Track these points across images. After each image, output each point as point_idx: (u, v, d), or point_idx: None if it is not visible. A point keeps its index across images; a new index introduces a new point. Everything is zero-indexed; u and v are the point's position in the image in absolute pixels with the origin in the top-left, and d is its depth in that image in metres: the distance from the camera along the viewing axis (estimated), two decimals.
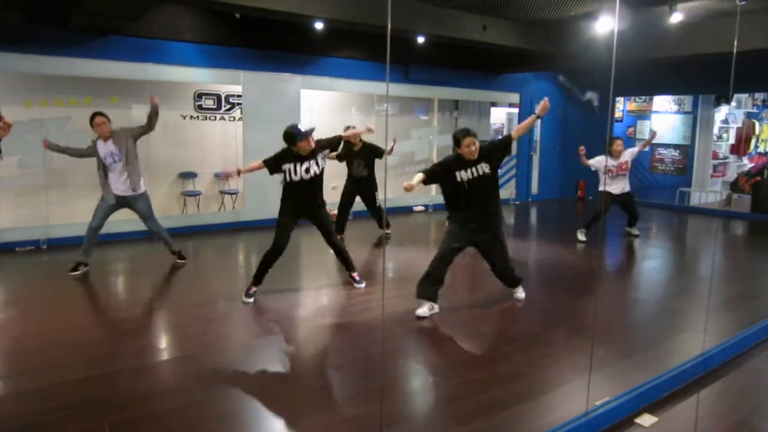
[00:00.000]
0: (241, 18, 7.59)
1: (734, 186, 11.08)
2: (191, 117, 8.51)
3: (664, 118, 11.61)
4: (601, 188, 7.57)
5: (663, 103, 11.61)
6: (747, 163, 11.87)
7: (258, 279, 4.84)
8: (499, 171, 4.59)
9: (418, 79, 9.66)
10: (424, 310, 4.45)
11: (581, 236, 7.61)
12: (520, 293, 4.93)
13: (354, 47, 8.73)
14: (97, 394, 3.12)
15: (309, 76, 8.57)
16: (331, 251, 5.26)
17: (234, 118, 8.82)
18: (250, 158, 8.00)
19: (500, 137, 4.54)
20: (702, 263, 6.87)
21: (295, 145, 4.64)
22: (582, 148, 7.21)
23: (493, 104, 11.76)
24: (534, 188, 12.04)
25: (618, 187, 7.39)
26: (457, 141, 4.36)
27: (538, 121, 11.78)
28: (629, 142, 11.19)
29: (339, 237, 7.37)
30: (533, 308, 4.85)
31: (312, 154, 4.74)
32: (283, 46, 8.17)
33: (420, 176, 4.39)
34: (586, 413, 2.78)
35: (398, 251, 6.85)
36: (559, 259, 6.62)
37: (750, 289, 5.59)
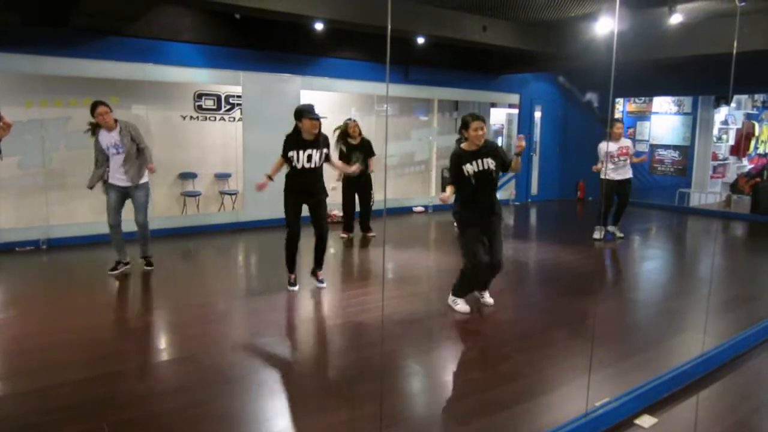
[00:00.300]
0: (240, 18, 7.60)
1: (734, 187, 11.08)
2: (191, 117, 8.51)
3: (664, 119, 11.61)
4: (602, 176, 7.47)
5: (663, 104, 11.61)
6: (747, 165, 11.87)
7: (291, 267, 5.08)
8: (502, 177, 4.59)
9: (417, 79, 9.67)
10: (466, 307, 4.55)
11: (598, 234, 7.56)
12: (488, 299, 4.78)
13: (354, 48, 8.73)
14: (96, 395, 3.12)
15: (309, 77, 8.57)
16: (320, 247, 5.18)
17: (234, 118, 8.82)
18: (250, 159, 8.02)
19: (508, 157, 4.52)
20: (701, 264, 6.87)
21: (301, 121, 4.73)
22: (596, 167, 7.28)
23: (493, 105, 11.76)
24: (534, 189, 12.04)
25: (620, 174, 7.34)
26: (465, 123, 4.35)
27: (538, 121, 11.90)
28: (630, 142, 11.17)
29: (348, 236, 7.43)
30: (533, 309, 4.85)
31: (315, 142, 4.81)
32: (283, 47, 8.17)
33: (450, 189, 4.38)
34: (586, 414, 2.78)
35: (398, 252, 6.85)
36: (558, 260, 6.63)
37: (749, 290, 5.59)
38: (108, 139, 5.27)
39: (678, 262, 7.06)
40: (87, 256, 6.31)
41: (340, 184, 7.54)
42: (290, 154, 4.78)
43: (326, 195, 5.04)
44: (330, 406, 3.12)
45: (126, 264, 5.55)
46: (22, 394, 3.15)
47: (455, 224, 4.77)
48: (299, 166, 4.78)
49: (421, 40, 7.92)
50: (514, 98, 11.41)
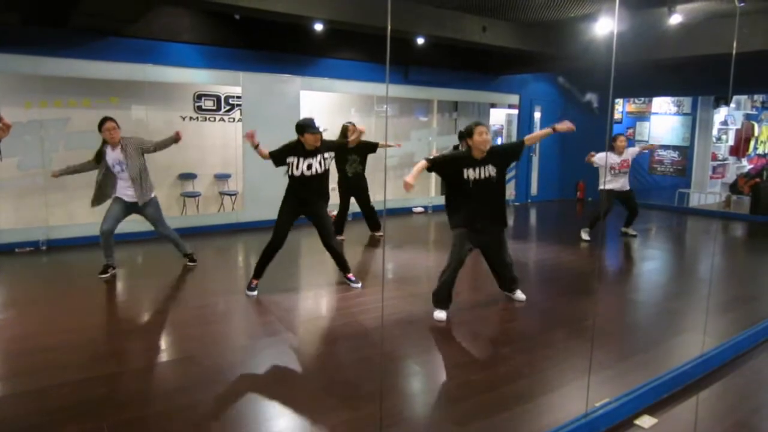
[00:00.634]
0: (240, 19, 7.60)
1: (733, 187, 11.09)
2: (191, 118, 8.52)
3: (664, 120, 11.62)
4: (601, 187, 7.55)
5: (662, 104, 11.62)
6: (746, 165, 11.88)
7: (258, 273, 5.02)
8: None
9: (417, 80, 9.67)
10: (442, 315, 4.45)
11: (585, 235, 7.69)
12: (520, 294, 4.92)
13: (353, 48, 8.74)
14: (96, 395, 3.12)
15: (308, 78, 8.58)
16: (336, 256, 5.26)
17: (234, 119, 8.82)
18: (250, 159, 7.99)
19: (514, 141, 4.49)
20: (701, 264, 6.87)
21: (303, 135, 4.76)
22: (592, 153, 7.31)
23: (493, 105, 11.77)
24: (534, 189, 12.05)
25: (619, 184, 7.44)
26: (469, 131, 4.33)
27: (538, 122, 11.90)
28: (628, 143, 11.18)
29: (340, 238, 7.42)
30: (533, 309, 4.85)
31: (316, 152, 4.85)
32: (282, 47, 8.17)
33: (422, 163, 4.25)
34: (586, 415, 2.78)
35: (397, 252, 6.85)
36: (558, 260, 6.63)
37: (749, 290, 5.59)
38: (112, 157, 5.25)
39: (678, 263, 7.06)
40: (87, 256, 6.30)
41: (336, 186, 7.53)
42: (289, 159, 4.81)
43: (326, 204, 5.05)
44: (330, 407, 3.12)
45: (114, 268, 5.55)
46: (21, 395, 3.15)
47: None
48: (297, 173, 4.80)
49: (420, 41, 7.92)
50: (514, 99, 11.42)
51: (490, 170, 4.33)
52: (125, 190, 5.35)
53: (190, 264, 6.00)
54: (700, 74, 9.42)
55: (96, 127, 5.31)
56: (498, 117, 12.68)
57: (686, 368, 3.38)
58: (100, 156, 5.31)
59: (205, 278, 5.85)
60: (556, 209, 11.28)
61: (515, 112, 11.64)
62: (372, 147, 7.06)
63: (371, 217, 7.58)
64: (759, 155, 11.86)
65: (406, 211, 10.03)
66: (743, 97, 11.63)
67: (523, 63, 9.90)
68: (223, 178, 8.91)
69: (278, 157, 4.84)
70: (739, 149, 11.62)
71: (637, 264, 6.85)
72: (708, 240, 8.47)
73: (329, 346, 4.08)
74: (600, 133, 10.13)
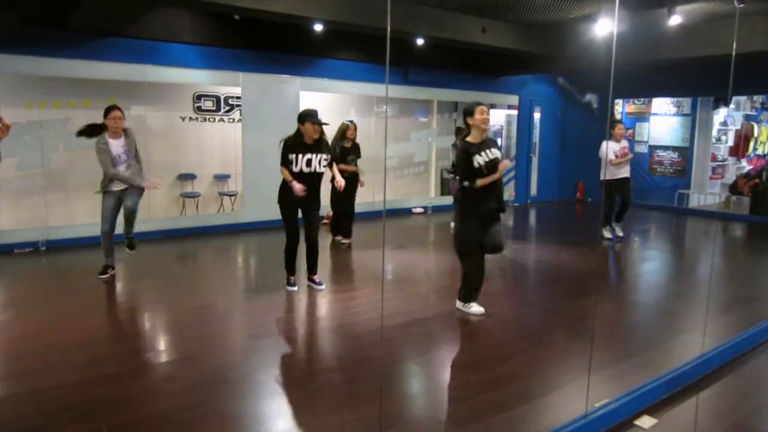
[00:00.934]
0: (240, 19, 7.60)
1: (733, 188, 11.09)
2: (190, 118, 8.51)
3: (663, 121, 11.62)
4: (608, 177, 7.46)
5: (662, 105, 11.62)
6: (746, 166, 11.88)
7: (290, 269, 5.14)
8: (504, 176, 4.57)
9: (417, 80, 9.68)
10: (480, 309, 4.50)
11: (607, 234, 7.64)
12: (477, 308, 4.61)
13: (353, 49, 8.74)
14: (96, 396, 3.11)
15: (308, 78, 8.58)
16: (312, 253, 5.20)
17: (233, 119, 8.82)
18: (250, 160, 8.02)
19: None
20: (701, 265, 6.87)
21: (303, 124, 4.76)
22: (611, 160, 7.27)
23: (492, 106, 11.74)
24: (533, 190, 12.05)
25: (620, 172, 7.39)
26: (470, 111, 4.34)
27: (538, 122, 11.91)
28: (628, 144, 11.18)
29: (348, 242, 7.34)
30: (532, 310, 4.85)
31: (316, 146, 4.84)
32: (282, 48, 8.17)
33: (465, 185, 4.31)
34: (586, 415, 2.78)
35: (398, 253, 6.84)
36: (558, 261, 6.62)
37: (749, 290, 5.59)
38: (116, 145, 5.18)
39: (677, 263, 7.06)
40: (86, 257, 6.29)
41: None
42: (291, 156, 4.79)
43: (318, 208, 5.09)
44: (330, 407, 3.12)
45: (113, 269, 5.54)
46: (21, 396, 3.14)
47: (452, 224, 4.76)
48: (297, 169, 4.79)
49: (420, 42, 7.92)
50: (514, 99, 11.42)
51: (495, 152, 4.36)
52: (121, 185, 5.23)
53: (128, 251, 5.63)
54: (699, 75, 9.43)
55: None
56: (498, 118, 12.67)
57: (686, 369, 3.37)
58: (107, 153, 5.15)
59: (205, 279, 5.85)
60: (556, 210, 11.28)
61: (515, 112, 11.64)
62: (359, 154, 7.14)
63: (349, 219, 7.32)
64: (758, 156, 11.86)
65: (406, 212, 10.02)
66: (743, 98, 11.63)
67: (522, 64, 9.91)
68: (222, 178, 8.91)
69: (286, 161, 4.84)
70: (738, 150, 11.62)
71: (636, 265, 6.85)
72: (708, 241, 8.47)
73: (329, 346, 4.08)
74: (600, 134, 10.12)
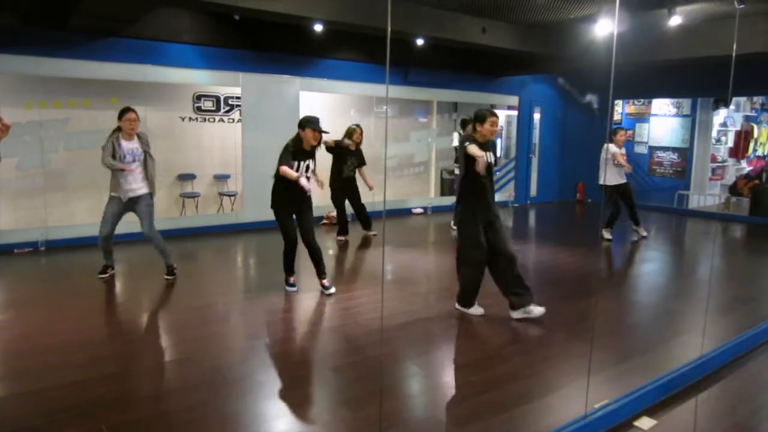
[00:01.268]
0: (240, 19, 7.60)
1: (733, 189, 11.09)
2: (190, 119, 8.52)
3: (663, 121, 11.62)
4: (609, 183, 7.48)
5: (662, 106, 11.63)
6: (745, 167, 11.89)
7: (289, 270, 5.17)
8: (497, 173, 4.60)
9: (417, 81, 9.68)
10: (480, 309, 4.54)
11: (607, 234, 7.70)
12: (537, 309, 4.46)
13: (353, 49, 8.74)
14: (95, 396, 3.11)
15: (308, 78, 8.58)
16: (315, 257, 5.16)
17: (233, 119, 8.82)
18: (249, 160, 8.02)
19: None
20: (701, 266, 6.87)
21: (303, 130, 4.78)
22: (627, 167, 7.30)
23: (492, 107, 11.75)
24: (533, 191, 12.05)
25: (621, 177, 7.42)
26: (482, 117, 4.33)
27: (537, 123, 11.91)
28: (628, 144, 11.18)
29: (344, 239, 7.42)
30: None
31: (312, 152, 4.91)
32: (282, 48, 8.17)
33: (475, 148, 4.16)
34: (585, 416, 2.78)
35: (397, 253, 6.84)
36: (557, 262, 6.63)
37: (748, 291, 5.59)
38: (128, 146, 5.13)
39: (677, 264, 7.06)
40: (86, 257, 6.29)
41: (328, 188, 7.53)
42: (295, 162, 4.80)
43: (311, 206, 5.10)
44: (329, 407, 3.12)
45: (113, 269, 5.53)
46: (21, 396, 3.14)
47: (453, 224, 4.77)
48: (296, 175, 4.79)
49: (420, 42, 7.93)
50: (514, 100, 11.42)
51: (491, 156, 4.42)
52: (128, 185, 5.19)
53: (168, 277, 5.45)
54: (699, 76, 9.43)
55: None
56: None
57: (685, 370, 3.38)
58: (114, 152, 5.09)
59: (205, 279, 5.85)
60: (556, 210, 11.28)
61: (515, 113, 11.65)
62: (363, 160, 7.44)
63: (364, 215, 7.66)
64: (758, 157, 11.86)
65: (406, 212, 10.02)
66: (742, 99, 11.63)
67: (522, 64, 9.91)
68: (222, 178, 8.91)
69: (290, 166, 4.81)
70: (738, 151, 11.62)
71: (636, 265, 6.85)
72: (707, 242, 8.47)
73: (328, 346, 4.08)
74: (600, 135, 10.14)
